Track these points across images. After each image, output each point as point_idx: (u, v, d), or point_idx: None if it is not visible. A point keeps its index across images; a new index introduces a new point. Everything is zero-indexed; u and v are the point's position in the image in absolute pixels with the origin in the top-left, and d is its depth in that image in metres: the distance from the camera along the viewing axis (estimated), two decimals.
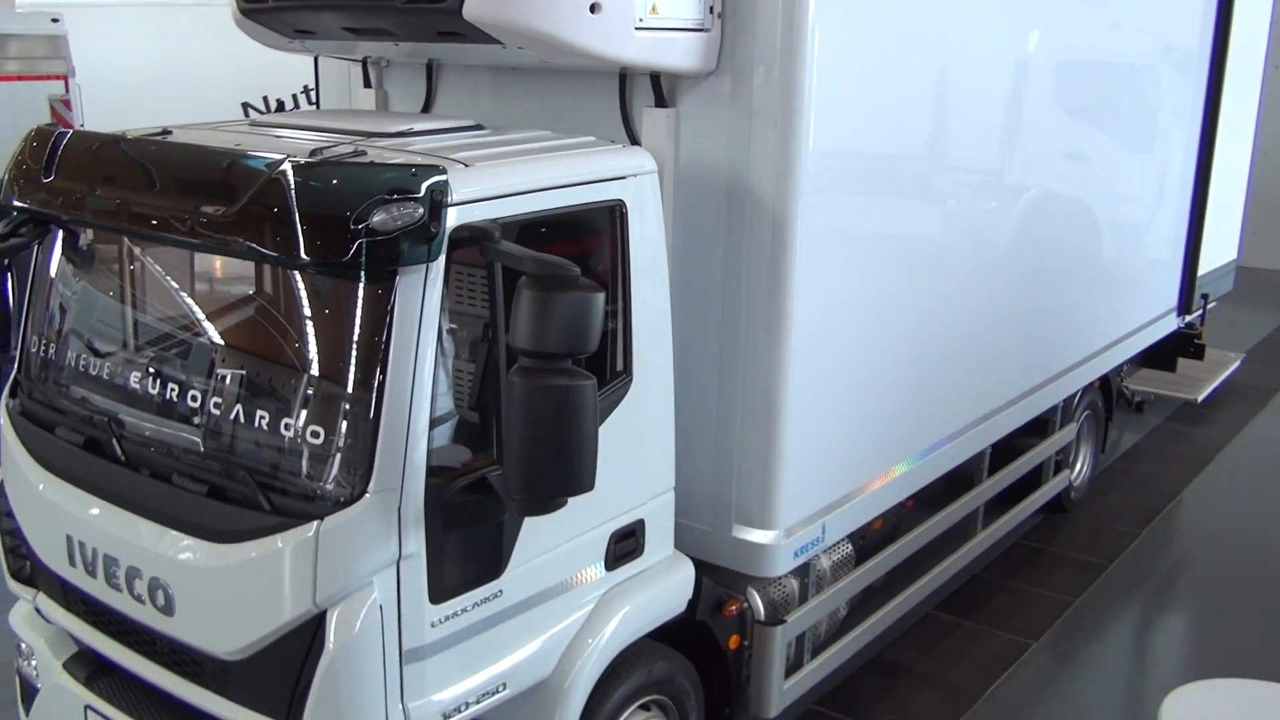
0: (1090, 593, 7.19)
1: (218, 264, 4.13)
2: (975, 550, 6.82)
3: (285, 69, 9.60)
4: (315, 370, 3.68)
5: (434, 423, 3.56)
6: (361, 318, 3.49)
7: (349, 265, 3.34)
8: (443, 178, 3.44)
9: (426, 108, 5.29)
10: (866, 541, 5.76)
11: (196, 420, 3.83)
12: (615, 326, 4.16)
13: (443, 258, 3.46)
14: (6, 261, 4.55)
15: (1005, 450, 6.95)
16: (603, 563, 4.29)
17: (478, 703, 3.86)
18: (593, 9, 4.08)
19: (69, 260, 4.37)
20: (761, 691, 5.02)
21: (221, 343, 4.02)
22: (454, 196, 3.47)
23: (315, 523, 3.44)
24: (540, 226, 3.87)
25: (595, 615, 4.26)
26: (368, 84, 5.45)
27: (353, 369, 3.52)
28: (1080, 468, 8.42)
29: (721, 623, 4.85)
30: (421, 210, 3.36)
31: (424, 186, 3.38)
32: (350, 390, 3.51)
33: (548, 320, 3.26)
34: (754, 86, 4.44)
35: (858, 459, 5.29)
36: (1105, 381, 8.41)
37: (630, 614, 4.34)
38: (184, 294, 4.17)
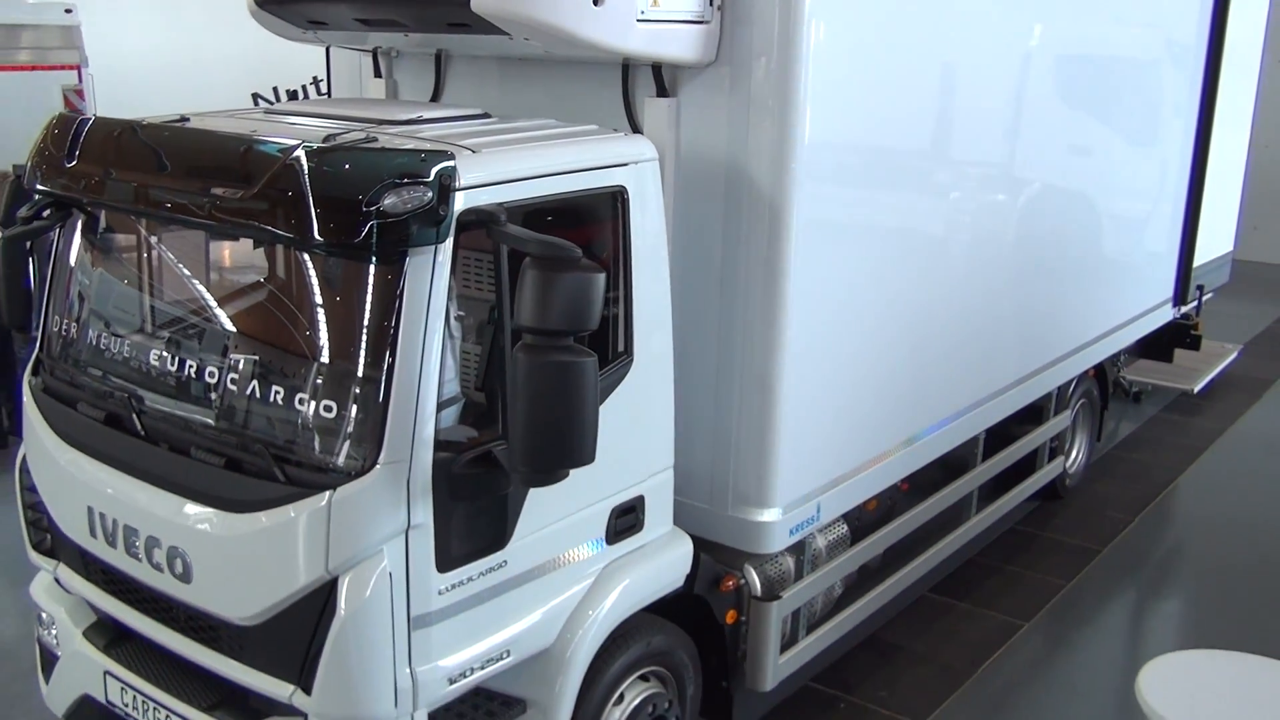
0: (1082, 576, 7.33)
1: (234, 246, 4.28)
2: (969, 534, 6.96)
3: (294, 61, 9.74)
4: (328, 347, 3.82)
5: (441, 399, 3.70)
6: (372, 297, 3.64)
7: (360, 246, 3.49)
8: (451, 163, 3.58)
9: (435, 97, 5.44)
10: (862, 522, 5.91)
11: (214, 396, 3.98)
12: (616, 309, 4.30)
13: (451, 240, 3.61)
14: (29, 245, 4.71)
15: (1000, 437, 7.09)
16: (604, 537, 4.44)
17: (482, 668, 4.01)
18: (596, 1, 4.22)
19: (89, 243, 4.52)
20: (757, 665, 5.18)
21: (238, 322, 4.17)
22: (461, 181, 3.61)
23: (328, 493, 3.59)
24: (545, 212, 4.01)
25: (596, 587, 4.40)
26: (378, 74, 5.60)
27: (364, 346, 3.67)
28: (1075, 455, 8.55)
29: (719, 598, 5.00)
30: (430, 194, 3.50)
31: (433, 171, 3.52)
32: (361, 367, 3.67)
33: (551, 299, 3.41)
34: (752, 77, 4.58)
35: (852, 441, 5.44)
36: (1100, 370, 8.54)
37: (630, 587, 4.48)
38: (202, 275, 4.32)
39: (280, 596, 3.70)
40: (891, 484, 5.88)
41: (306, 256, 3.83)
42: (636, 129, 4.77)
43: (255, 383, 3.88)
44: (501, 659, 4.08)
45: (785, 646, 5.32)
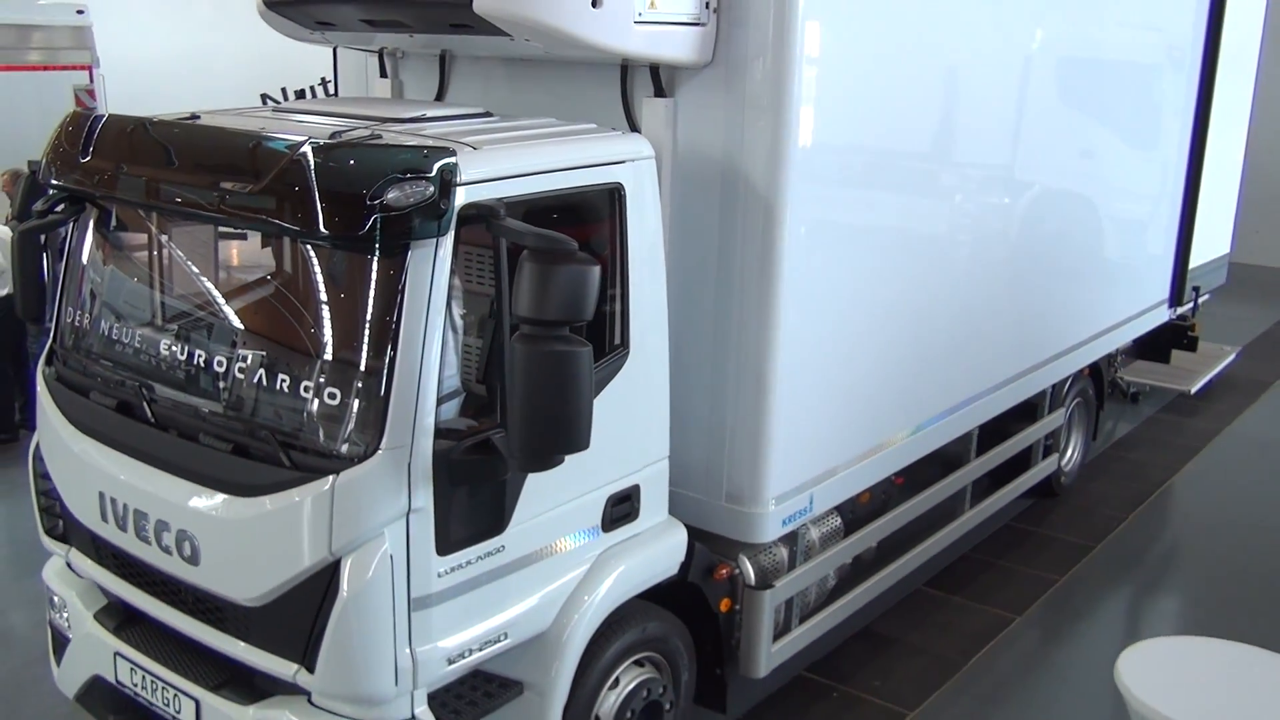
0: (1075, 572, 7.43)
1: (242, 238, 4.40)
2: (963, 528, 7.07)
3: (303, 62, 9.88)
4: (332, 337, 3.95)
5: (443, 391, 3.83)
6: (375, 288, 3.76)
7: (365, 239, 3.61)
8: (452, 159, 3.71)
9: (440, 97, 5.57)
10: (855, 515, 6.02)
11: (222, 384, 4.10)
12: (614, 302, 4.41)
13: (452, 233, 3.74)
14: (43, 238, 4.84)
15: (995, 434, 7.20)
16: (600, 524, 4.55)
17: (480, 650, 4.13)
18: (594, 3, 4.34)
19: (101, 236, 4.65)
20: (751, 653, 5.29)
21: (246, 312, 4.29)
22: (463, 177, 3.74)
23: (331, 477, 3.72)
24: (545, 208, 4.13)
25: (592, 573, 4.52)
26: (384, 74, 5.73)
27: (367, 336, 3.79)
28: (1071, 454, 8.64)
29: (713, 586, 5.11)
30: (432, 189, 3.63)
31: (435, 167, 3.65)
32: (364, 356, 3.79)
33: (547, 290, 3.53)
34: (747, 79, 4.70)
35: (844, 435, 5.55)
36: (1096, 370, 8.63)
37: (625, 573, 4.60)
38: (211, 267, 4.45)
39: (285, 578, 3.83)
40: (884, 478, 5.98)
41: (312, 249, 3.95)
42: (635, 128, 4.89)
43: (262, 371, 4.00)
44: (499, 641, 4.20)
45: (778, 635, 5.43)
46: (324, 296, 3.97)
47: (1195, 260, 9.38)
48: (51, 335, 4.77)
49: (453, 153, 3.75)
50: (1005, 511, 7.80)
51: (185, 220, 4.36)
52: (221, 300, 4.35)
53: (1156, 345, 9.88)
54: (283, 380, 3.94)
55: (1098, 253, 8.04)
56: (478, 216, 3.78)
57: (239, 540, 3.95)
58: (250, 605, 3.95)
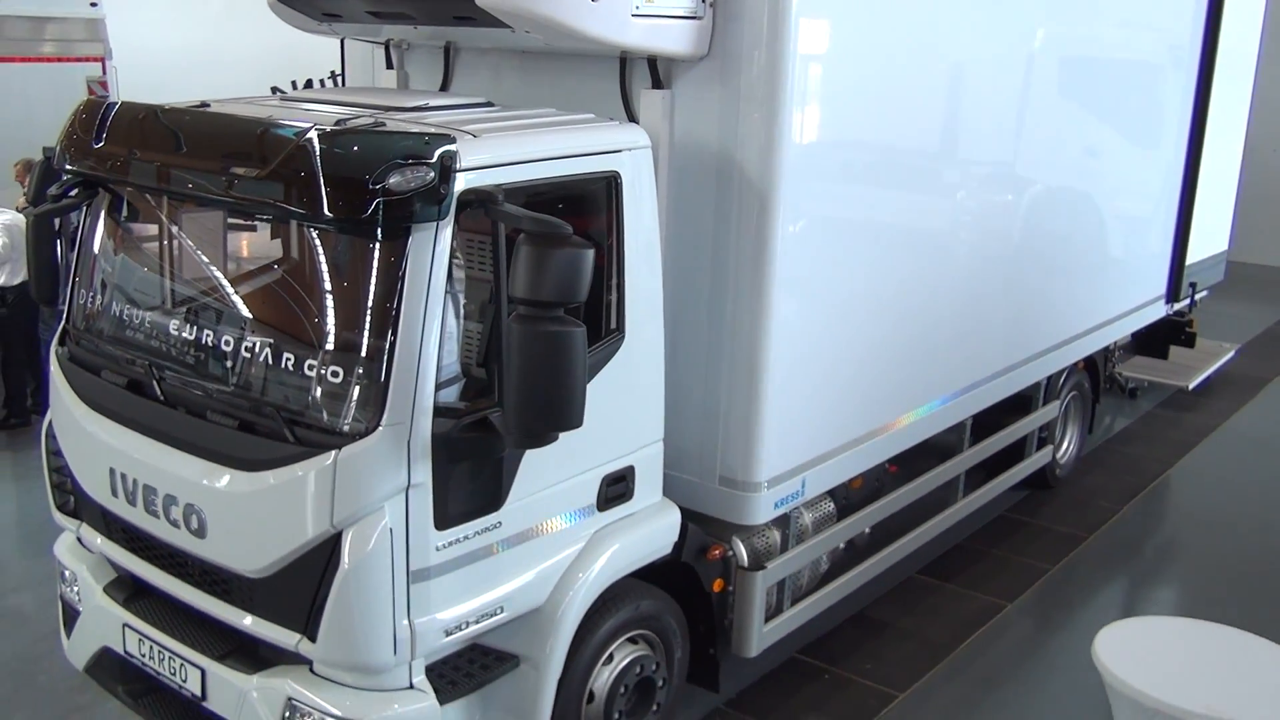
0: (1067, 562, 7.54)
1: (249, 222, 4.54)
2: (956, 516, 7.18)
3: (312, 56, 10.00)
4: (335, 318, 4.08)
5: (441, 370, 3.95)
6: (377, 271, 3.90)
7: (367, 222, 3.74)
8: (453, 146, 3.84)
9: (444, 88, 5.70)
10: (848, 501, 6.14)
11: (229, 363, 4.24)
12: (610, 287, 4.53)
13: (451, 217, 3.86)
14: (57, 222, 4.98)
15: (990, 426, 7.31)
16: (595, 504, 4.68)
17: (477, 623, 4.26)
18: None
19: (113, 220, 4.79)
20: (743, 632, 5.41)
21: (252, 293, 4.43)
22: (463, 163, 3.87)
23: (334, 452, 3.85)
24: (543, 195, 4.24)
25: (586, 551, 4.64)
26: (390, 65, 5.86)
27: (369, 317, 3.92)
28: (1066, 446, 8.74)
29: (706, 566, 5.24)
30: (433, 174, 3.75)
31: (436, 153, 3.78)
32: (366, 335, 3.92)
33: (543, 272, 3.66)
34: (742, 72, 4.82)
35: (836, 421, 5.66)
36: (1092, 363, 8.73)
37: (619, 551, 4.72)
38: (219, 250, 4.58)
39: (288, 550, 3.96)
40: (875, 464, 6.10)
41: (316, 233, 4.08)
42: (634, 119, 5.00)
43: (268, 351, 4.13)
44: (495, 615, 4.33)
45: (770, 616, 5.55)
46: (327, 279, 4.10)
47: (1192, 256, 9.48)
48: (65, 316, 4.91)
49: (453, 140, 3.87)
50: (999, 502, 7.91)
51: (194, 204, 4.48)
52: (229, 282, 4.49)
53: (1155, 341, 9.97)
54: (287, 359, 4.07)
55: (1093, 247, 8.13)
56: (477, 202, 3.91)
57: (245, 513, 4.08)
58: (255, 577, 4.08)
